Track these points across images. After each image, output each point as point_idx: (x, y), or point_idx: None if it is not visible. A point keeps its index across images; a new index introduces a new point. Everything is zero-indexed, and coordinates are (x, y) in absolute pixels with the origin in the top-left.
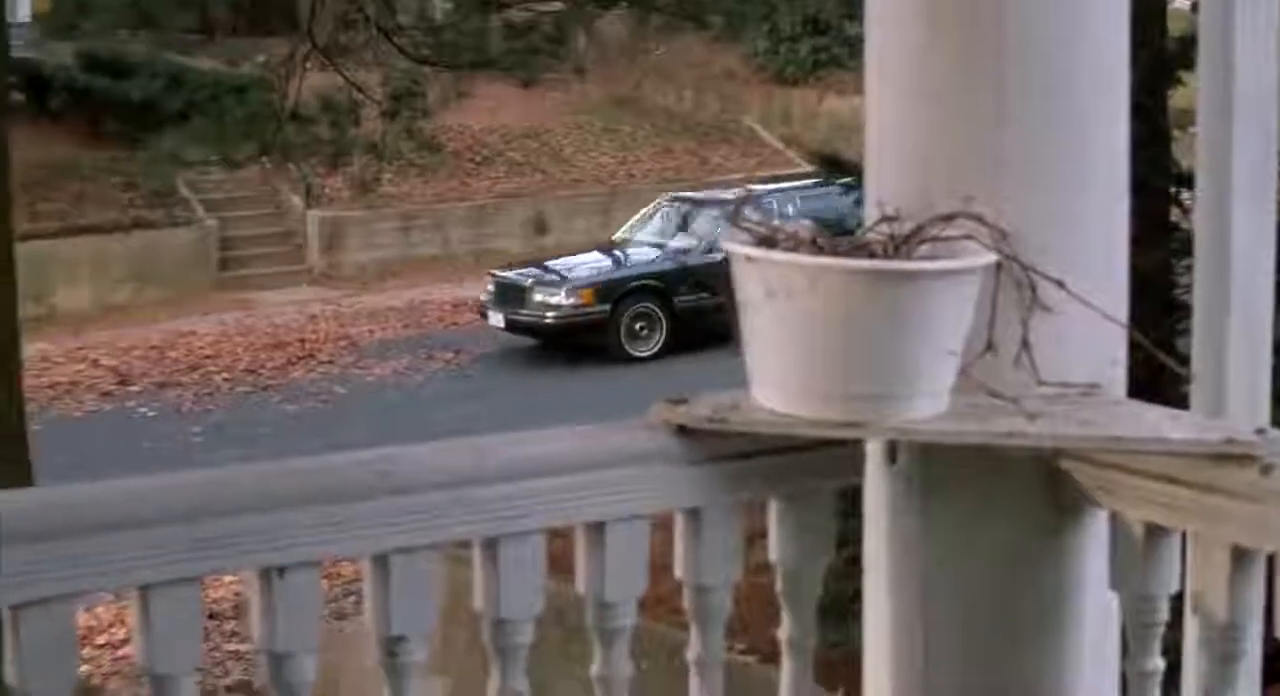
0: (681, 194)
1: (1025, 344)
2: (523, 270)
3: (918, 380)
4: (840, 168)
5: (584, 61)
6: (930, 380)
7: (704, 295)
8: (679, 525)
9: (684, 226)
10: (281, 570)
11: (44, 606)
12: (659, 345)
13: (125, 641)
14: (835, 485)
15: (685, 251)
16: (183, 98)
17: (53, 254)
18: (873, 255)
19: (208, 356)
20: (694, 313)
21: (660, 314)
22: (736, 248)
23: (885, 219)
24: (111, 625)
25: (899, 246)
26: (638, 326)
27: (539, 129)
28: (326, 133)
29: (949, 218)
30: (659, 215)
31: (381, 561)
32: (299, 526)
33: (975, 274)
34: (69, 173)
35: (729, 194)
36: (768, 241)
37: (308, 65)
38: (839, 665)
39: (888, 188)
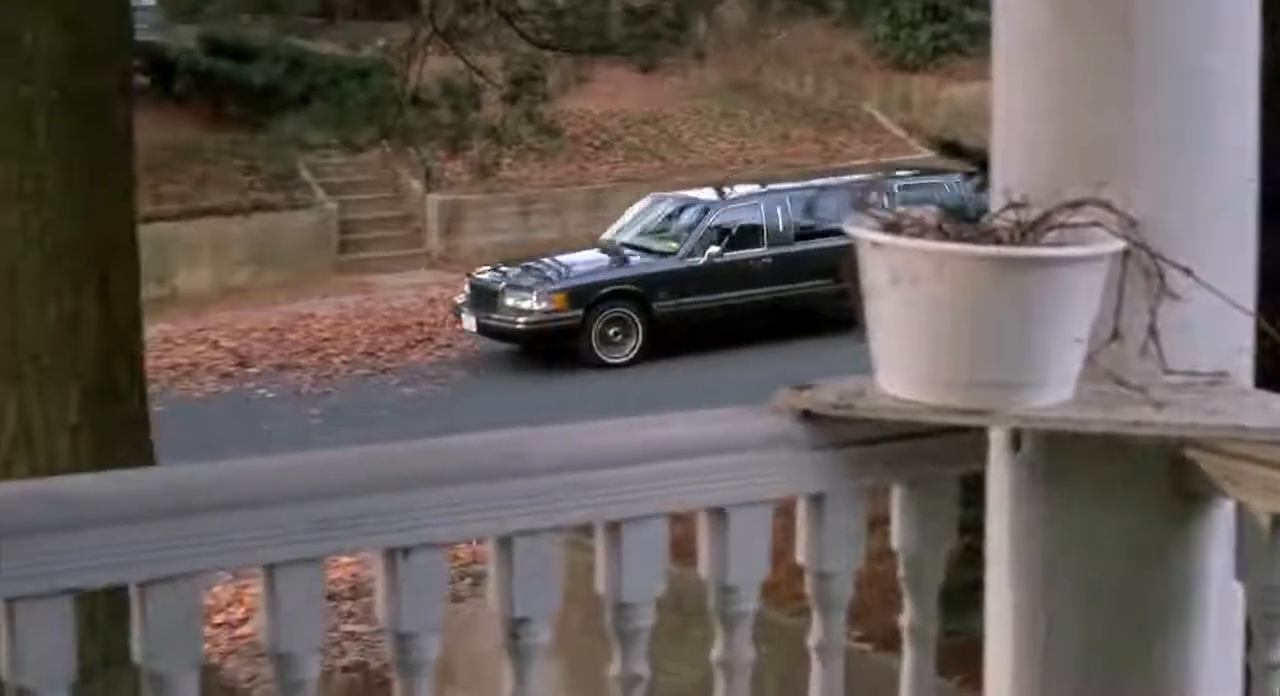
0: (667, 194)
1: (1152, 332)
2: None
3: (1044, 367)
4: (961, 154)
5: (704, 46)
6: (1056, 368)
7: (684, 300)
8: (802, 510)
9: (668, 227)
10: (406, 551)
11: (170, 584)
12: (635, 352)
13: (243, 620)
14: (959, 472)
15: (666, 255)
16: (304, 81)
17: (175, 236)
18: (999, 241)
19: (326, 339)
20: (674, 318)
21: (636, 320)
22: (862, 233)
23: (1012, 206)
24: (229, 604)
25: (1026, 233)
26: (611, 332)
27: (658, 114)
28: (447, 116)
29: (1077, 205)
30: (648, 215)
31: (505, 543)
32: (423, 508)
33: (1103, 261)
34: (191, 155)
35: (712, 194)
36: (893, 227)
37: (428, 49)
38: (956, 653)
39: (1014, 174)
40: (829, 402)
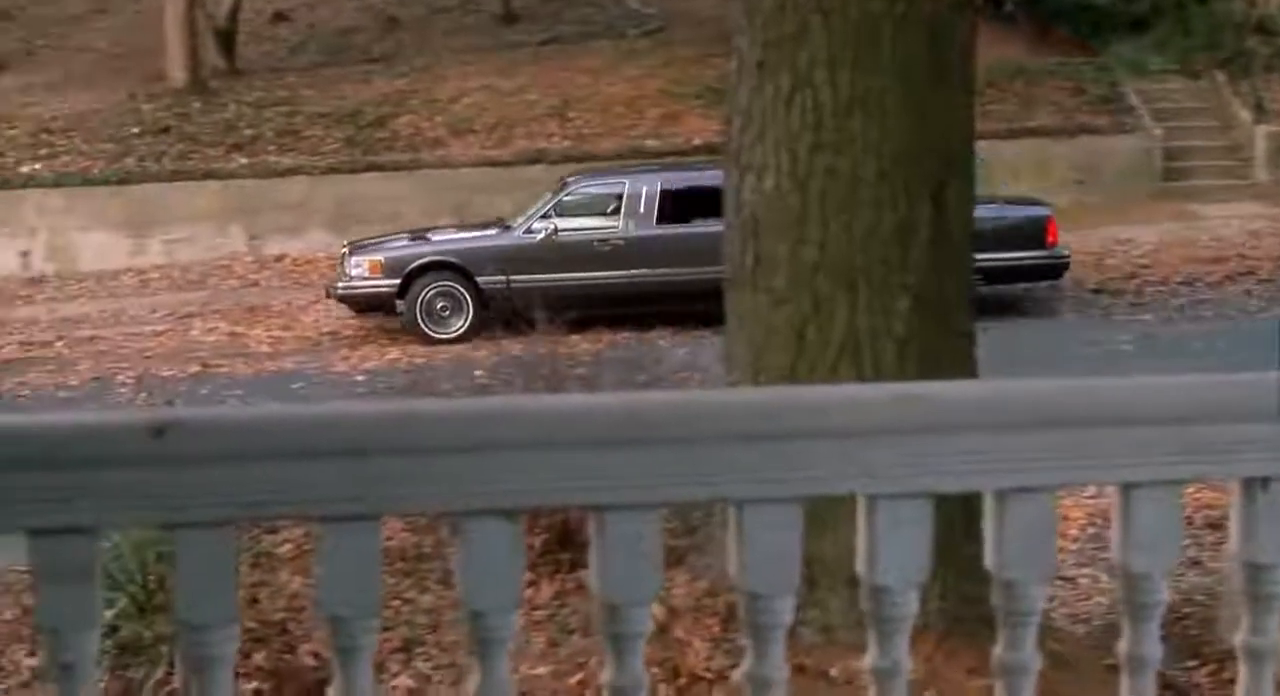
0: (571, 177)
1: None
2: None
3: None
4: None
5: None
6: None
7: (516, 278)
8: None
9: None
10: (1265, 481)
11: (1027, 494)
12: (464, 328)
13: None
14: None
15: (506, 230)
16: (1144, 6)
17: (997, 155)
18: None
19: (1144, 266)
20: (503, 296)
21: (465, 295)
22: None
23: None
24: None
25: None
26: (439, 306)
27: None
28: None
29: None
30: (561, 192)
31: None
32: None
33: None
34: (1016, 75)
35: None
36: None
37: None
38: None
39: None
40: None
